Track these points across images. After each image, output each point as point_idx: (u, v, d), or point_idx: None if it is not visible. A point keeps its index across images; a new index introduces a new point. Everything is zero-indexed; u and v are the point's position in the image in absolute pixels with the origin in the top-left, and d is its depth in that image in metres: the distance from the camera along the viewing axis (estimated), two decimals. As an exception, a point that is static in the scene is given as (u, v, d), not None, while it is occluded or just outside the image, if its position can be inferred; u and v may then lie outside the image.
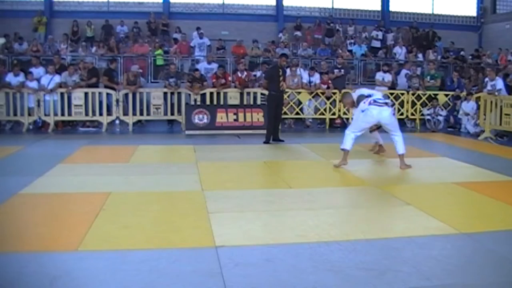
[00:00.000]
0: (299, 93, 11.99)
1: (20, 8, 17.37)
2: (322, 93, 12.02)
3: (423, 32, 18.56)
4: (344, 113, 12.04)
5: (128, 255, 3.61)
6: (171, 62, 13.65)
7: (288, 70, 12.33)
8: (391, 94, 12.36)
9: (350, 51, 16.09)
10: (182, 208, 4.91)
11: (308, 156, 7.70)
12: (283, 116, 11.77)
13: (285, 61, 9.73)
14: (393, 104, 7.37)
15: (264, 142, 9.38)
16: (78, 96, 11.20)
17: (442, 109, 12.05)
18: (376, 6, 20.04)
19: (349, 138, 6.80)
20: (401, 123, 12.40)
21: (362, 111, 6.73)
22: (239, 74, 12.08)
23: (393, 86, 12.83)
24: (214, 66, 12.80)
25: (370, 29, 18.04)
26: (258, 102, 11.61)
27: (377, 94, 7.60)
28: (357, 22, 18.72)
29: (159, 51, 14.77)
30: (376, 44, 17.42)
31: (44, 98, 11.08)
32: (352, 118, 7.47)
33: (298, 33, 17.89)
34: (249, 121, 11.02)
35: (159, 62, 14.55)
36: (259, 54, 15.25)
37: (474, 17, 20.73)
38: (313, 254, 3.72)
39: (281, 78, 9.38)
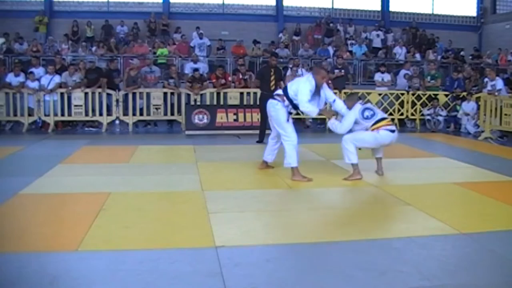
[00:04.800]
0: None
1: (21, 8, 17.39)
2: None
3: (423, 32, 18.57)
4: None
5: (128, 255, 3.61)
6: (171, 63, 13.66)
7: (289, 70, 12.35)
8: (391, 94, 12.39)
9: (350, 51, 16.10)
10: (182, 208, 4.91)
11: (308, 156, 7.69)
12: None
13: (275, 60, 9.69)
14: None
15: (257, 142, 9.39)
16: (78, 96, 11.20)
17: (442, 109, 12.04)
18: (376, 6, 20.06)
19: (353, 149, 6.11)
20: (401, 123, 12.51)
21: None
22: (241, 76, 12.07)
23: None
24: (200, 65, 12.88)
25: (370, 29, 18.06)
26: (258, 102, 11.60)
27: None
28: (357, 22, 18.73)
29: (163, 50, 14.78)
30: (377, 44, 17.43)
31: (44, 98, 11.08)
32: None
33: (296, 38, 17.86)
34: (249, 121, 11.02)
35: (161, 61, 14.56)
36: (259, 54, 15.25)
37: (474, 17, 20.75)
38: (313, 254, 3.72)
39: (272, 78, 9.31)
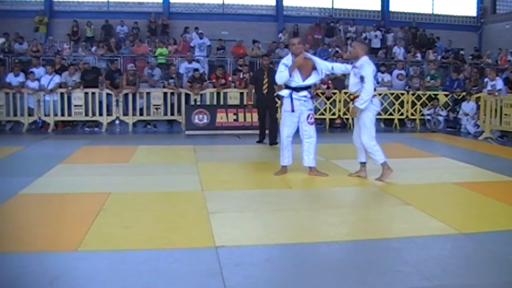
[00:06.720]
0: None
1: (21, 8, 17.40)
2: (322, 93, 12.03)
3: (423, 32, 18.56)
4: (344, 114, 12.04)
5: (128, 255, 3.61)
6: (170, 63, 13.66)
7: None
8: (391, 94, 12.39)
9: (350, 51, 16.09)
10: (182, 208, 4.91)
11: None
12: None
13: (266, 60, 9.44)
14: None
15: (257, 142, 9.40)
16: (78, 96, 11.21)
17: (442, 109, 12.04)
18: (376, 6, 20.06)
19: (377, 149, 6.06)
20: (401, 123, 12.52)
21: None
22: (241, 76, 12.06)
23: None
24: (196, 65, 12.90)
25: (370, 29, 18.06)
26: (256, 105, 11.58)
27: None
28: (357, 22, 18.74)
29: (162, 50, 14.78)
30: (376, 44, 17.42)
31: (44, 98, 11.08)
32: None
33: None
34: (249, 121, 11.01)
35: (161, 60, 14.56)
36: (259, 54, 15.24)
37: (474, 17, 20.75)
38: (313, 254, 3.72)
39: (265, 81, 9.02)
